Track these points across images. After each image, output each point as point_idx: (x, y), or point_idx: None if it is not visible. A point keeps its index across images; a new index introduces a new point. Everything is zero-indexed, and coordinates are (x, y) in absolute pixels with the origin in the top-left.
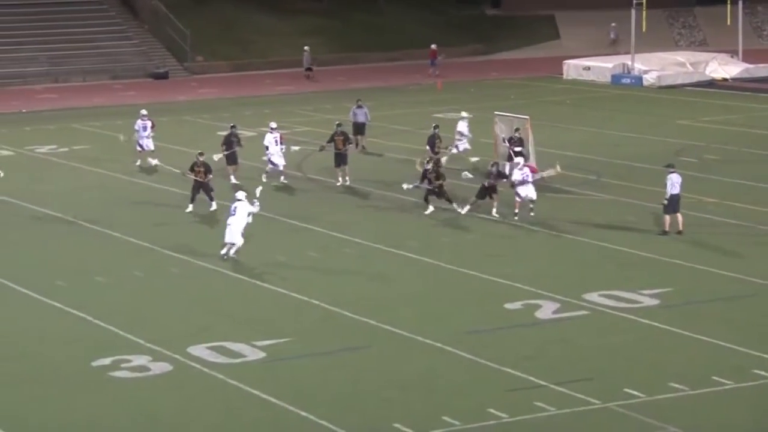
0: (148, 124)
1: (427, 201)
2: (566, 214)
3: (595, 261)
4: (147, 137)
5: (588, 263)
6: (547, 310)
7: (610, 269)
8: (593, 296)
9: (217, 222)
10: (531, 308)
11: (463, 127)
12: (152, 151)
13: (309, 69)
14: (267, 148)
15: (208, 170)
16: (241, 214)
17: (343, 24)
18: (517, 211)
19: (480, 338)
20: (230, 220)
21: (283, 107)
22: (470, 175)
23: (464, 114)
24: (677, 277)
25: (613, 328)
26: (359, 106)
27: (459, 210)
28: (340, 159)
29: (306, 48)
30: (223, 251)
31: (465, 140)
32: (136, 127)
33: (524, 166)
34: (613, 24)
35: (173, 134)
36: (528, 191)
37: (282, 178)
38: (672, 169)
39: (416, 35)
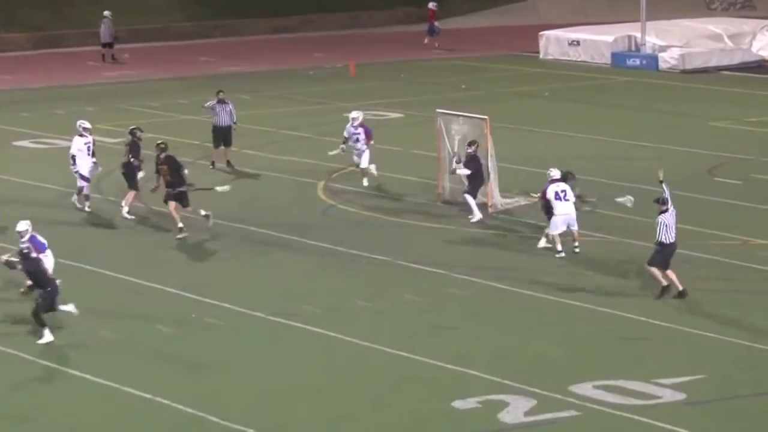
0: None
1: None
2: (547, 264)
3: (588, 334)
4: None
5: (579, 338)
6: (516, 411)
7: (611, 347)
8: (586, 388)
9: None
10: (492, 407)
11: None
12: None
13: (109, 45)
14: (73, 159)
15: None
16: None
17: None
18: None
19: None
20: None
21: (114, 102)
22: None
23: (356, 113)
24: (710, 358)
25: None
26: (221, 101)
27: None
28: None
29: (106, 14)
30: None
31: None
32: None
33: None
34: None
35: None
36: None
37: (87, 203)
38: (664, 207)
39: None
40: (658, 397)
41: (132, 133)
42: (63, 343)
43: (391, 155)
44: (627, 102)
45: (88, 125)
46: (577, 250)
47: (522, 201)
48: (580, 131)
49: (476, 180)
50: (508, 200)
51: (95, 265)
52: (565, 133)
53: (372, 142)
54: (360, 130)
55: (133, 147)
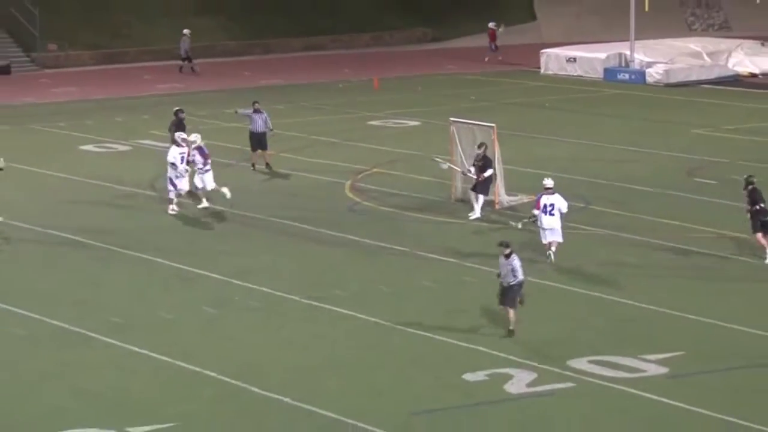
0: None
1: None
2: (544, 255)
3: (583, 316)
4: None
5: (574, 319)
6: (520, 382)
7: (604, 327)
8: (581, 363)
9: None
10: (499, 379)
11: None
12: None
13: (188, 59)
14: (173, 165)
15: None
16: None
17: (251, 0)
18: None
19: (431, 420)
20: None
21: (166, 111)
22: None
23: (194, 137)
24: (689, 337)
25: (608, 406)
26: (257, 110)
27: None
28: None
29: (186, 32)
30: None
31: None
32: None
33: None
34: None
35: (16, 149)
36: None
37: (171, 206)
38: (508, 249)
39: (346, 16)
40: (644, 371)
41: (176, 114)
42: (122, 323)
43: (409, 159)
44: (618, 112)
45: (185, 136)
46: (552, 258)
47: (525, 199)
48: (577, 137)
49: (488, 179)
50: (512, 198)
51: (150, 254)
52: (563, 139)
53: (209, 161)
54: (195, 152)
55: (180, 126)
